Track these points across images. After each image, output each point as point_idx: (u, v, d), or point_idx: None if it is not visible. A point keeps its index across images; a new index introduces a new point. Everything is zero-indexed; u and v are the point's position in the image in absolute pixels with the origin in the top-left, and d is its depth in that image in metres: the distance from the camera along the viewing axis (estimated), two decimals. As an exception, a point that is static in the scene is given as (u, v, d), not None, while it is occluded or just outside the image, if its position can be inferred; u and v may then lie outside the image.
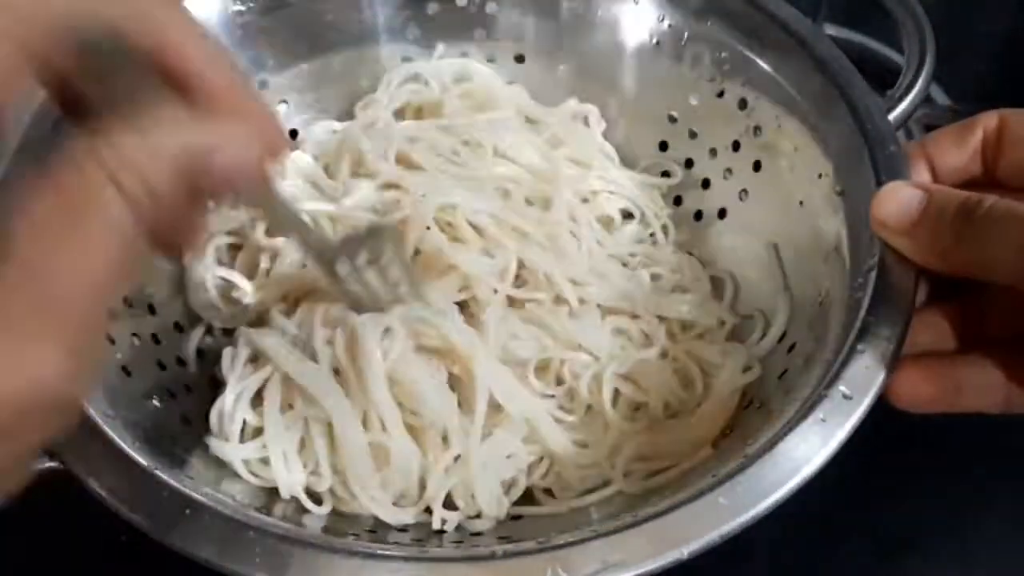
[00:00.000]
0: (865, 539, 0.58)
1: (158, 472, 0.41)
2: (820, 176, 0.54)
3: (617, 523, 0.38)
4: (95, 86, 0.32)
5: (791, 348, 0.53)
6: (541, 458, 0.53)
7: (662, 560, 0.37)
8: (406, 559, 0.38)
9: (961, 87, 0.80)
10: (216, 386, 0.55)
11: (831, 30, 0.82)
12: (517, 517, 0.52)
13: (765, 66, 0.59)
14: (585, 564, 0.36)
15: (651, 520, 0.38)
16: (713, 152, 0.64)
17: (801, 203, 0.56)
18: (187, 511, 0.39)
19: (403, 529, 0.50)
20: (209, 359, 0.57)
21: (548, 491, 0.53)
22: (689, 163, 0.66)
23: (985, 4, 0.91)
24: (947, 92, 0.80)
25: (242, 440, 0.52)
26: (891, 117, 0.53)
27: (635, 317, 0.58)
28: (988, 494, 0.60)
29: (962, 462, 0.61)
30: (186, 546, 0.38)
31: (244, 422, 0.52)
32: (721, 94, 0.62)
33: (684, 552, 0.37)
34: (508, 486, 0.52)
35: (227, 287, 0.58)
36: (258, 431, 0.52)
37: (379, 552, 0.38)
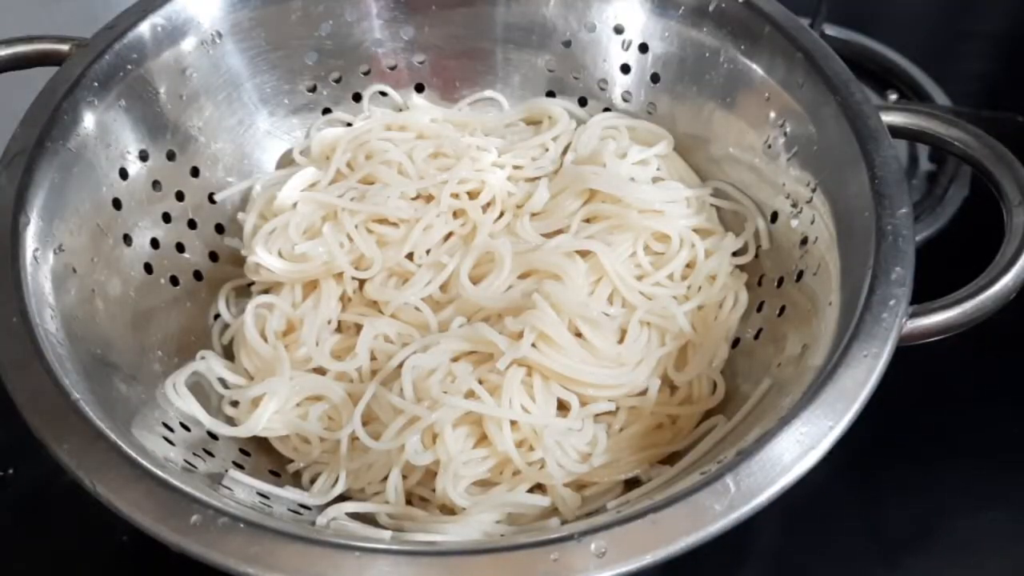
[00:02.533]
0: (865, 539, 0.57)
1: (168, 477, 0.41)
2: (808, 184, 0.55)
3: (616, 516, 0.38)
4: None
5: (785, 348, 0.53)
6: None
7: (659, 554, 0.37)
8: (405, 553, 0.38)
9: (961, 87, 0.80)
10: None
11: (831, 30, 0.82)
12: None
13: (757, 68, 0.59)
14: (583, 557, 0.36)
15: (648, 514, 0.38)
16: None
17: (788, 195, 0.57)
18: (194, 516, 0.38)
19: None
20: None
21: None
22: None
23: (985, 4, 0.91)
24: (947, 92, 0.80)
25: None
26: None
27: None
28: (988, 493, 0.60)
29: (962, 462, 0.61)
30: (188, 545, 0.38)
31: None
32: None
33: (680, 547, 0.37)
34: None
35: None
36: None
37: (378, 547, 0.38)
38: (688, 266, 0.61)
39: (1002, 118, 0.75)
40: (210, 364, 0.57)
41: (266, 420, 0.55)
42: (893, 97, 0.80)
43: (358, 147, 0.66)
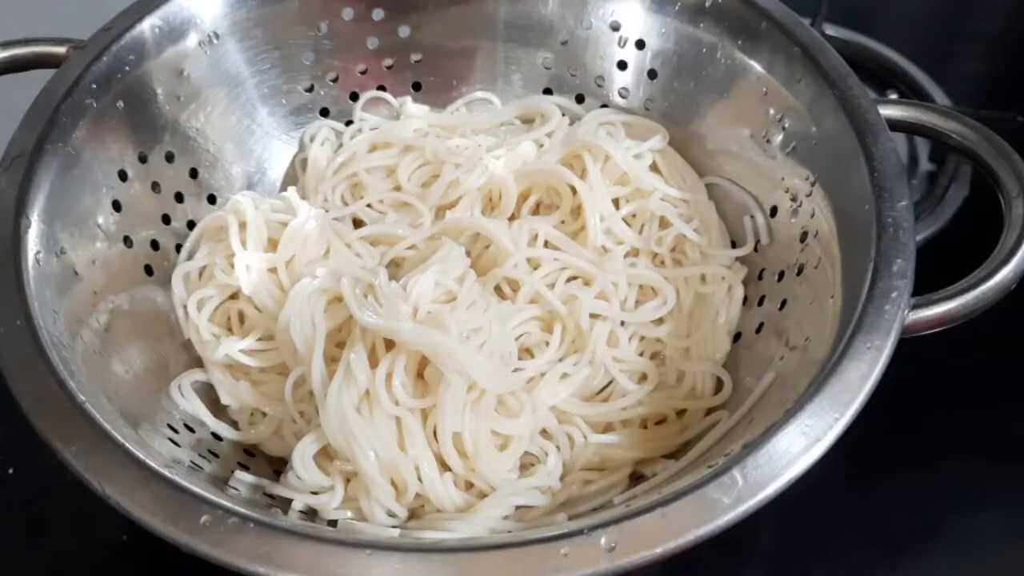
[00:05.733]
0: (865, 539, 0.57)
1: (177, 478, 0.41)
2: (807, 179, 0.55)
3: (624, 510, 0.38)
4: None
5: (787, 341, 0.53)
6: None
7: (669, 547, 0.37)
8: (415, 550, 0.38)
9: (961, 87, 0.81)
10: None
11: (831, 30, 0.82)
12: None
13: (755, 63, 0.60)
14: (593, 551, 0.37)
15: (657, 508, 0.38)
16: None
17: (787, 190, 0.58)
18: (204, 517, 0.38)
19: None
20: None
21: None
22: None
23: (985, 4, 0.92)
24: (947, 92, 0.80)
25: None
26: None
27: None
28: (988, 493, 0.60)
29: (962, 462, 0.61)
30: (198, 546, 0.38)
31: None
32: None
33: (689, 539, 0.37)
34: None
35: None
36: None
37: (388, 545, 0.38)
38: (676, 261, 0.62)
39: (1002, 118, 0.75)
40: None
41: (265, 436, 0.55)
42: (893, 97, 0.80)
43: (346, 180, 0.67)
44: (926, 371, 0.57)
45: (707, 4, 0.61)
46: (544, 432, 0.54)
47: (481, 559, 0.37)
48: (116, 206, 0.56)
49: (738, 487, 0.38)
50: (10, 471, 0.60)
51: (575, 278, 0.61)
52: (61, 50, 0.57)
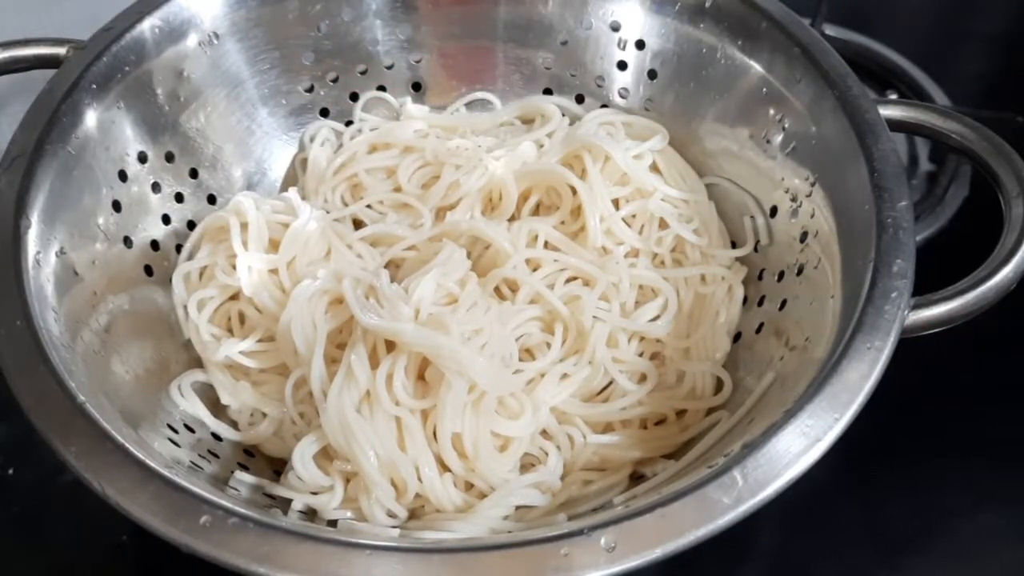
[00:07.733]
0: (865, 539, 0.57)
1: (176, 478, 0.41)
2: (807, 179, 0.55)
3: (624, 511, 0.38)
4: None
5: (787, 341, 0.53)
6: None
7: (669, 547, 0.37)
8: (415, 551, 0.38)
9: (961, 87, 0.81)
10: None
11: (831, 30, 0.83)
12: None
13: (755, 64, 0.60)
14: (593, 552, 0.37)
15: (657, 508, 0.38)
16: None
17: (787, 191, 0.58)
18: (204, 517, 0.38)
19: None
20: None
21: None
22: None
23: (985, 4, 0.92)
24: (947, 92, 0.80)
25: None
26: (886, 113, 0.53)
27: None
28: (988, 493, 0.60)
29: (963, 462, 0.61)
30: (198, 546, 0.38)
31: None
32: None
33: (689, 540, 0.37)
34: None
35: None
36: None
37: (388, 545, 0.38)
38: (676, 261, 0.62)
39: (1002, 118, 0.75)
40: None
41: (265, 436, 0.55)
42: (893, 97, 0.80)
43: (346, 181, 0.67)
44: (926, 371, 0.57)
45: (707, 4, 0.61)
46: (544, 432, 0.54)
47: (481, 559, 0.37)
48: (116, 206, 0.56)
49: (738, 487, 0.38)
50: (10, 471, 0.60)
51: (575, 279, 0.60)
52: (61, 50, 0.57)
